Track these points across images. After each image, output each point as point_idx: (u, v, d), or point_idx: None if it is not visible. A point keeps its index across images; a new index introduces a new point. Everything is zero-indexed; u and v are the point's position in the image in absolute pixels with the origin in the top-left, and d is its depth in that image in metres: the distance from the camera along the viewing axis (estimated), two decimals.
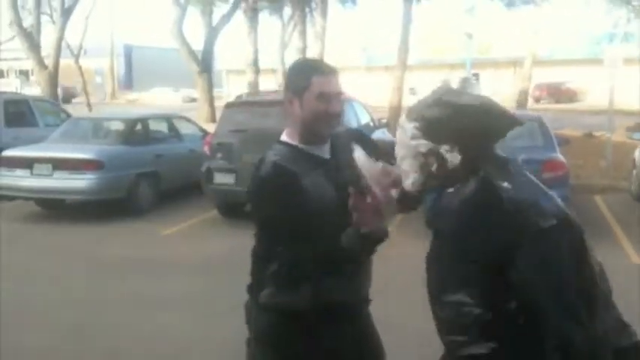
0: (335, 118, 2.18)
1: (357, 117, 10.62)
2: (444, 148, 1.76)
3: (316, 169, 2.18)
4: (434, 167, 1.78)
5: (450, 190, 1.82)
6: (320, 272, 2.11)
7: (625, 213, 9.16)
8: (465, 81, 18.27)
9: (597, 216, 9.12)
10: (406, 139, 1.81)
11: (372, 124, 11.18)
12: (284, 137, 2.25)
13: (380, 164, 2.04)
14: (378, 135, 11.24)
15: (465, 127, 1.73)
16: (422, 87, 42.57)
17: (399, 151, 1.85)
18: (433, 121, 1.75)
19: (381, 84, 33.30)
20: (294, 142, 2.22)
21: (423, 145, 1.77)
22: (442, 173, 1.79)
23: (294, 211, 2.07)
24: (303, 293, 2.13)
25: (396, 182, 1.96)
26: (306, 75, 2.14)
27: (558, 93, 39.10)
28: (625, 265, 6.57)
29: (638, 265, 6.53)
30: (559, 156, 7.97)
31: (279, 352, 2.24)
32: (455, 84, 17.44)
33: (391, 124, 16.22)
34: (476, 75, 38.47)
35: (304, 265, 2.09)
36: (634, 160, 10.29)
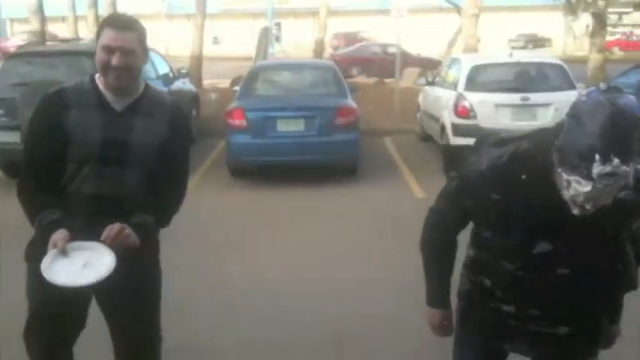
0: (117, 71, 2.22)
1: (155, 67, 10.29)
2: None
3: (97, 112, 2.27)
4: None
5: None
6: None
7: (411, 152, 10.06)
8: (266, 30, 18.38)
9: (386, 156, 9.95)
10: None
11: (171, 74, 10.91)
12: (98, 74, 2.32)
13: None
14: (179, 85, 11.03)
15: None
16: (225, 36, 42.27)
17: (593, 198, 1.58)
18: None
19: (182, 33, 32.31)
20: (100, 83, 2.30)
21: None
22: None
23: (44, 138, 2.25)
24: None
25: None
26: (102, 26, 2.27)
27: (354, 42, 41.04)
28: (410, 200, 7.30)
29: (420, 200, 7.21)
30: (351, 102, 8.45)
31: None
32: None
33: (192, 74, 15.93)
34: (278, 24, 38.89)
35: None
36: (418, 104, 11.26)
